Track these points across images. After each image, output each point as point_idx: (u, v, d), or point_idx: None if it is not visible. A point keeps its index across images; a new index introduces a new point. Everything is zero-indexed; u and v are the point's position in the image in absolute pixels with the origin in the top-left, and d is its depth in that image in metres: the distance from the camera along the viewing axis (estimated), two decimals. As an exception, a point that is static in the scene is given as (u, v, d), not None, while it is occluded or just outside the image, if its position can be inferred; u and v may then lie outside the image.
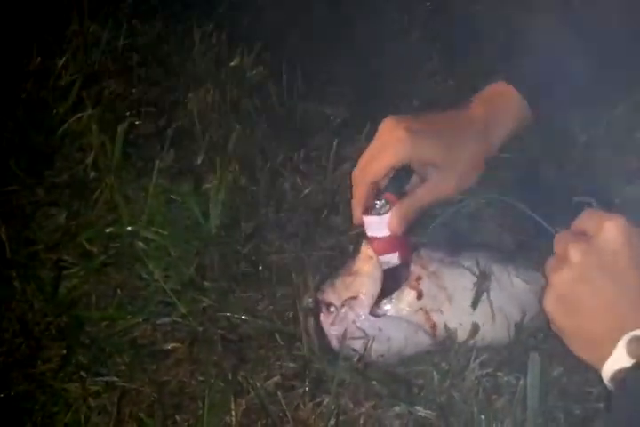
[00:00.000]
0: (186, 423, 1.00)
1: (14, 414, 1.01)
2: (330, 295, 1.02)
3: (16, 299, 1.12)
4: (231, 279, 1.14)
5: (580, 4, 1.07)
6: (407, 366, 1.03)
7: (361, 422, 0.99)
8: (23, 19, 1.51)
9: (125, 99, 1.42)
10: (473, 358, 1.01)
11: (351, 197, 1.03)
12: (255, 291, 1.13)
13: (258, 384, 1.01)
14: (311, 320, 1.03)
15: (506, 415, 0.97)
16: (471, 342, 1.02)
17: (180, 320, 1.09)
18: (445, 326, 1.02)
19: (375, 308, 1.01)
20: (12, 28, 1.49)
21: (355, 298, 1.01)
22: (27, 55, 1.45)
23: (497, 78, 1.06)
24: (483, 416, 0.97)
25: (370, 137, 1.16)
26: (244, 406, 1.00)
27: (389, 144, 1.00)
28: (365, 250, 1.02)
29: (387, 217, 1.01)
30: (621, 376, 0.80)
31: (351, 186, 1.04)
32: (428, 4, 1.61)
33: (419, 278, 1.02)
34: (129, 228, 1.18)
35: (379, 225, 1.02)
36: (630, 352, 0.79)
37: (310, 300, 1.05)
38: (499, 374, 1.02)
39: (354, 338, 1.01)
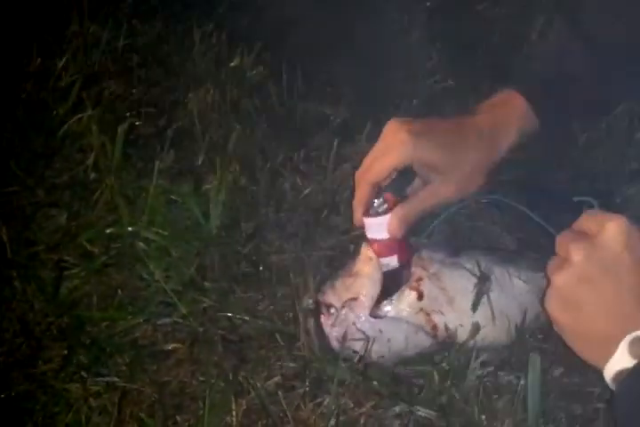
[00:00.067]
0: (186, 424, 1.00)
1: (15, 414, 1.01)
2: (330, 297, 1.02)
3: (17, 299, 1.12)
4: (232, 280, 1.14)
5: (584, 10, 1.07)
6: (407, 365, 1.03)
7: (361, 422, 0.99)
8: (23, 19, 1.52)
9: (125, 99, 1.42)
10: (473, 357, 1.01)
11: (353, 198, 1.04)
12: (256, 291, 1.13)
13: (258, 384, 1.01)
14: (311, 321, 1.03)
15: (506, 415, 0.97)
16: (472, 342, 1.02)
17: (180, 321, 1.09)
18: (446, 326, 1.01)
19: (375, 309, 1.01)
20: (12, 28, 1.49)
21: (355, 299, 1.01)
22: (27, 56, 1.45)
23: (505, 86, 1.06)
24: (483, 416, 0.97)
25: (370, 137, 1.17)
26: (245, 407, 1.00)
27: (392, 145, 1.00)
28: (365, 251, 1.02)
29: (386, 219, 1.01)
30: (623, 377, 0.80)
31: (353, 186, 1.04)
32: (428, 4, 1.61)
33: (419, 280, 1.02)
34: (129, 228, 1.18)
35: (378, 227, 1.01)
36: (632, 353, 0.79)
37: (310, 301, 1.05)
38: (499, 373, 1.02)
39: (354, 339, 1.01)
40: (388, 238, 1.02)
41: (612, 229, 0.82)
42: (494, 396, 0.99)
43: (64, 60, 1.44)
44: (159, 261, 1.14)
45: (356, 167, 1.23)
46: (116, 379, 1.03)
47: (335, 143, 1.27)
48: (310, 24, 1.52)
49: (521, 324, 1.02)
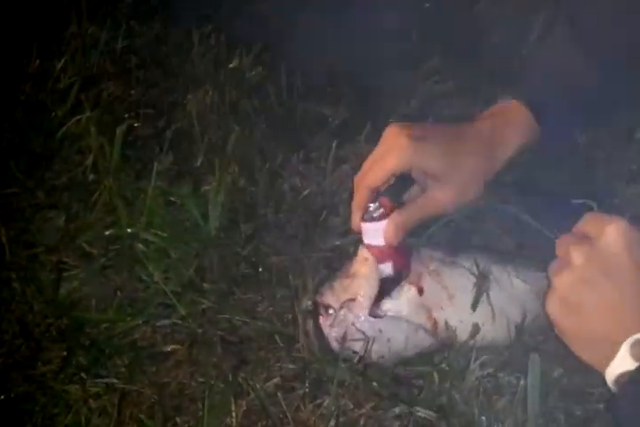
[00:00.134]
0: (186, 425, 1.00)
1: (14, 415, 1.01)
2: (328, 297, 1.02)
3: (16, 301, 1.12)
4: (231, 281, 1.14)
5: (584, 17, 1.07)
6: (407, 366, 1.03)
7: (361, 423, 0.99)
8: (22, 21, 1.51)
9: (124, 101, 1.42)
10: (473, 358, 1.01)
11: (351, 201, 1.03)
12: (255, 292, 1.13)
13: (258, 386, 1.01)
14: (310, 322, 1.03)
15: (506, 416, 0.97)
16: (471, 342, 1.02)
17: (179, 322, 1.09)
18: (446, 323, 1.01)
19: (374, 309, 1.01)
20: (10, 30, 1.49)
21: (353, 300, 1.01)
22: (25, 57, 1.45)
23: (506, 95, 1.05)
24: (483, 417, 0.97)
25: (369, 138, 1.16)
26: (245, 408, 1.00)
27: (392, 150, 1.00)
28: (362, 252, 1.02)
29: (383, 225, 1.01)
30: (625, 379, 0.79)
31: (352, 188, 1.04)
32: (428, 4, 1.61)
33: (420, 275, 1.02)
34: (128, 230, 1.18)
35: (375, 233, 1.01)
36: (634, 355, 0.79)
37: (309, 302, 1.05)
38: (499, 374, 1.02)
39: (354, 340, 1.01)
40: (384, 245, 1.01)
41: (612, 231, 0.81)
42: (494, 397, 0.99)
43: (63, 61, 1.44)
44: (158, 262, 1.14)
45: (355, 168, 1.24)
46: (115, 380, 1.03)
47: (334, 144, 1.27)
48: (309, 25, 1.52)
49: (520, 323, 1.02)
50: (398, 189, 1.02)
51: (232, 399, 1.00)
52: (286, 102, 1.40)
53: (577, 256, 0.82)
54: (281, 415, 0.99)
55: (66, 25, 1.51)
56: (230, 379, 1.02)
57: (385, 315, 1.01)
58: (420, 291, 1.02)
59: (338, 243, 1.18)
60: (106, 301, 1.12)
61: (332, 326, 1.01)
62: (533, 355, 0.96)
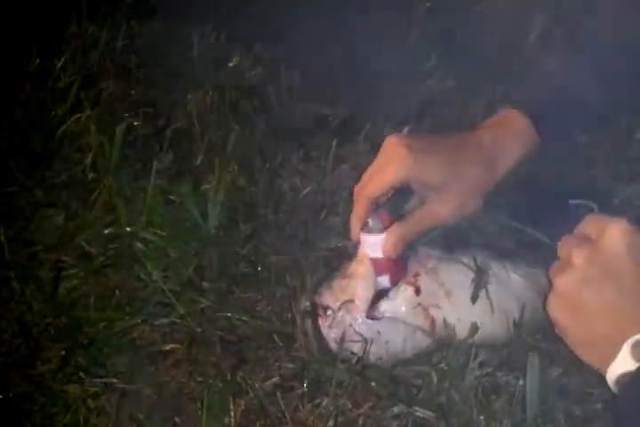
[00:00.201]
0: (185, 424, 1.00)
1: (13, 415, 1.01)
2: (326, 298, 1.02)
3: (15, 300, 1.12)
4: (230, 280, 1.14)
5: (584, 25, 1.07)
6: (406, 366, 1.03)
7: (360, 423, 0.99)
8: (22, 20, 1.51)
9: (124, 100, 1.42)
10: (472, 358, 1.01)
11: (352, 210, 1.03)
12: (254, 292, 1.12)
13: (257, 385, 1.01)
14: (309, 323, 1.03)
15: (505, 416, 0.97)
16: (470, 340, 1.02)
17: (178, 321, 1.09)
18: (444, 321, 1.01)
19: (372, 310, 1.01)
20: (10, 29, 1.49)
21: (351, 301, 1.01)
22: (25, 56, 1.45)
23: (507, 105, 1.05)
24: (482, 417, 0.97)
25: (369, 137, 1.16)
26: (243, 407, 1.00)
27: (391, 162, 0.99)
28: (361, 252, 1.02)
29: (382, 238, 1.01)
30: (626, 380, 0.79)
31: (352, 187, 1.04)
32: (428, 4, 1.61)
33: (416, 275, 1.02)
34: (128, 229, 1.18)
35: (374, 246, 1.01)
36: (635, 356, 0.79)
37: (307, 303, 1.05)
38: (498, 374, 1.02)
39: (352, 341, 1.01)
40: (383, 258, 1.01)
41: (613, 232, 0.81)
42: (493, 396, 0.99)
43: (63, 60, 1.44)
44: (157, 261, 1.14)
45: (354, 168, 1.25)
46: (114, 380, 1.03)
47: (334, 144, 1.27)
48: (309, 24, 1.52)
49: (519, 319, 1.02)
50: (397, 201, 1.02)
51: (231, 399, 1.00)
52: (286, 102, 1.40)
53: (578, 257, 0.82)
54: (279, 415, 0.99)
55: (66, 24, 1.51)
56: (229, 378, 1.02)
57: (382, 316, 1.01)
58: (417, 291, 1.02)
59: (337, 243, 1.17)
60: (105, 300, 1.12)
61: (330, 326, 1.01)
62: (532, 355, 0.96)
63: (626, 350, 0.79)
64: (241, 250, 1.17)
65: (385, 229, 1.00)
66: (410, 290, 1.01)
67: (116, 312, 1.10)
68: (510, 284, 1.03)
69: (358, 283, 1.01)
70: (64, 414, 1.00)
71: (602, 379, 0.82)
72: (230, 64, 1.46)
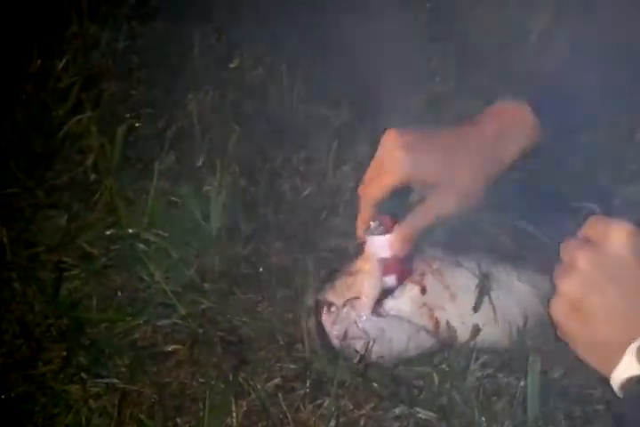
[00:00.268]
0: (187, 425, 1.00)
1: (15, 415, 1.01)
2: (331, 295, 1.02)
3: (17, 301, 1.12)
4: (231, 281, 1.14)
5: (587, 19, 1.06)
6: (407, 367, 1.03)
7: (361, 423, 0.99)
8: (23, 20, 1.51)
9: (125, 100, 1.42)
10: (473, 359, 1.01)
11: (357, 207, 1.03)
12: (255, 292, 1.13)
13: (258, 386, 1.01)
14: (312, 320, 1.03)
15: (506, 417, 0.97)
16: (472, 343, 1.02)
17: (180, 322, 1.09)
18: (448, 323, 1.01)
19: (377, 307, 1.01)
20: (11, 29, 1.49)
21: (356, 298, 1.01)
22: (26, 57, 1.45)
23: (508, 95, 1.04)
24: (483, 418, 0.97)
25: (370, 138, 1.16)
26: (245, 408, 1.00)
27: (388, 164, 0.99)
28: (368, 249, 1.02)
29: (387, 238, 1.01)
30: (632, 384, 0.79)
31: (354, 186, 1.04)
32: (428, 4, 1.61)
33: (422, 274, 1.02)
34: (129, 230, 1.18)
35: (380, 247, 1.01)
36: None
37: (311, 300, 1.05)
38: (499, 375, 1.02)
39: (355, 338, 1.01)
40: (390, 257, 1.01)
41: (617, 235, 0.80)
42: (494, 397, 0.99)
43: (64, 61, 1.44)
44: (159, 262, 1.14)
45: (355, 169, 1.25)
46: (115, 380, 1.03)
47: (335, 145, 1.27)
48: (310, 25, 1.52)
49: (522, 326, 1.02)
50: (397, 200, 1.02)
51: (232, 400, 1.00)
52: (287, 103, 1.40)
53: (582, 260, 0.80)
54: (281, 416, 0.99)
55: (67, 25, 1.51)
56: (231, 379, 1.03)
57: (387, 314, 1.01)
58: (423, 290, 1.02)
59: (338, 243, 1.18)
60: (106, 300, 1.12)
61: (334, 323, 1.01)
62: (533, 356, 0.96)
63: (631, 353, 0.78)
64: (242, 251, 1.17)
65: (388, 232, 1.01)
66: (416, 289, 1.02)
67: (117, 313, 1.10)
68: (513, 290, 1.03)
69: (364, 280, 1.01)
70: (65, 414, 1.00)
71: (602, 380, 0.82)
72: (231, 65, 1.47)
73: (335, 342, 1.01)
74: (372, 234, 1.01)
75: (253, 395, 1.01)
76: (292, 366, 1.04)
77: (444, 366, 1.02)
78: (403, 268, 1.02)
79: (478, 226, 1.17)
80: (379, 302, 1.02)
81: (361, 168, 1.06)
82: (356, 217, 1.05)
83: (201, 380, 1.03)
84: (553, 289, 0.83)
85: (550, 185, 1.24)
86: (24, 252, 1.17)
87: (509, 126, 1.02)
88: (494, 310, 1.01)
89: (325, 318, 1.02)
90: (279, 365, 1.04)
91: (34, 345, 1.07)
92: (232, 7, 1.57)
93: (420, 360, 1.03)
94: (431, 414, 0.98)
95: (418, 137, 1.00)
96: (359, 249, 1.05)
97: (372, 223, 1.01)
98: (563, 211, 0.98)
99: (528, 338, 1.02)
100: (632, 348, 0.78)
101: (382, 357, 1.01)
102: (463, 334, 1.02)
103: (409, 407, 0.99)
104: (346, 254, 1.14)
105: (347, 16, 1.54)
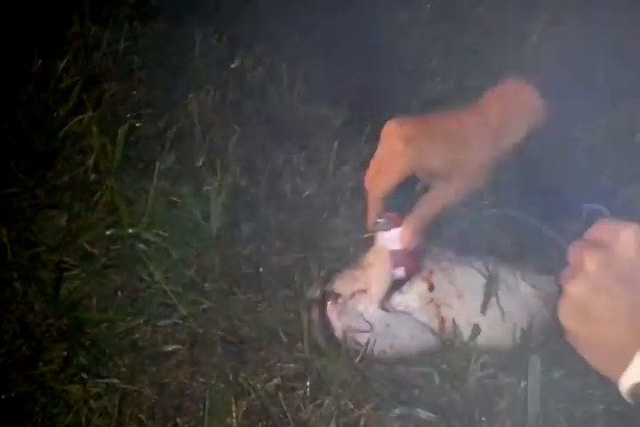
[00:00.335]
0: (187, 425, 1.00)
1: (15, 415, 1.01)
2: (338, 286, 1.02)
3: (17, 300, 1.12)
4: (232, 281, 1.14)
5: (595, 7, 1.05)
6: (408, 367, 1.03)
7: (361, 423, 0.99)
8: (24, 21, 1.52)
9: (126, 101, 1.42)
10: (474, 359, 1.01)
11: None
12: (255, 292, 1.13)
13: (258, 386, 1.01)
14: (316, 312, 1.03)
15: (507, 417, 0.97)
16: (474, 343, 1.02)
17: (180, 322, 1.09)
18: (454, 322, 1.01)
19: (385, 302, 1.01)
20: (12, 30, 1.49)
21: (364, 291, 1.01)
22: (28, 57, 1.45)
23: (512, 75, 1.00)
24: (484, 418, 0.97)
25: (370, 138, 1.16)
26: (245, 408, 1.00)
27: (391, 159, 0.98)
28: (379, 242, 1.02)
29: (397, 231, 1.01)
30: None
31: (355, 187, 1.04)
32: (428, 4, 1.61)
33: (431, 272, 1.02)
34: (130, 230, 1.18)
35: (390, 240, 1.01)
36: None
37: (317, 291, 1.04)
38: (500, 375, 1.02)
39: (359, 331, 1.01)
40: (400, 249, 1.01)
41: (626, 237, 0.79)
42: (494, 398, 0.99)
43: (65, 61, 1.44)
44: (159, 262, 1.14)
45: (356, 169, 1.25)
46: (116, 380, 1.03)
47: (335, 145, 1.27)
48: (311, 25, 1.52)
49: (528, 327, 1.02)
50: (403, 193, 1.01)
51: (233, 399, 1.00)
52: (287, 103, 1.40)
53: (590, 263, 0.79)
54: (281, 415, 0.99)
55: (68, 25, 1.51)
56: (231, 379, 1.02)
57: (394, 310, 1.01)
58: (431, 287, 1.02)
59: (338, 243, 1.18)
60: (107, 300, 1.12)
61: (339, 315, 1.01)
62: (534, 356, 0.96)
63: (639, 358, 0.77)
64: (242, 251, 1.17)
65: (397, 226, 1.01)
66: (424, 285, 1.02)
67: (117, 313, 1.10)
68: (519, 292, 1.03)
69: (373, 273, 1.01)
70: (66, 414, 1.00)
71: (602, 380, 0.81)
72: (232, 65, 1.47)
73: (339, 334, 1.01)
74: (382, 229, 1.01)
75: (253, 395, 1.01)
76: (293, 365, 1.04)
77: (444, 366, 1.02)
78: (412, 261, 1.02)
79: (479, 226, 1.17)
80: (387, 296, 1.01)
81: (361, 168, 1.06)
82: (356, 217, 1.05)
83: (201, 380, 1.03)
84: (558, 291, 0.82)
85: (551, 186, 1.24)
86: (24, 252, 1.17)
87: (513, 108, 0.99)
88: (501, 310, 1.01)
89: (331, 310, 1.02)
90: (279, 365, 1.04)
91: (34, 345, 1.07)
92: (232, 7, 1.57)
93: (420, 360, 1.03)
94: (432, 414, 0.98)
95: (418, 126, 0.99)
96: (364, 245, 1.04)
97: (380, 220, 1.01)
98: (566, 212, 0.97)
99: (529, 337, 1.02)
100: None
101: (385, 352, 1.01)
102: (468, 333, 1.02)
103: (409, 408, 0.99)
104: (346, 254, 1.14)
105: (347, 16, 1.54)
